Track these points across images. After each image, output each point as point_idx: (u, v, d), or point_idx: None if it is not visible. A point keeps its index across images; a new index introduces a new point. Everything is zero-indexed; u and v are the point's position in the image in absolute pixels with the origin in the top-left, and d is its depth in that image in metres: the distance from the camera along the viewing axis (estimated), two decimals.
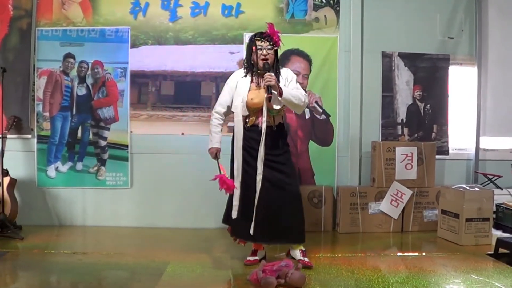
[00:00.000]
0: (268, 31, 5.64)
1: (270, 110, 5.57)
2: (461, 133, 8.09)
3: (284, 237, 5.74)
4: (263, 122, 5.54)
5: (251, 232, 5.61)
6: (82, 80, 7.59)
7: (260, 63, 5.58)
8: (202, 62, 7.65)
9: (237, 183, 5.66)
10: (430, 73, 7.99)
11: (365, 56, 7.86)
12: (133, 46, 7.60)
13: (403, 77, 7.94)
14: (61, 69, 7.56)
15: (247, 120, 5.68)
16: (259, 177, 5.55)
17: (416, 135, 7.98)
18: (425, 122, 8.01)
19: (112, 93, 7.60)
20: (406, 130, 7.98)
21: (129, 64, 7.59)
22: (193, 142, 7.62)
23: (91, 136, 7.63)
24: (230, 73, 7.27)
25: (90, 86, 7.60)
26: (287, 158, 5.80)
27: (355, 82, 7.79)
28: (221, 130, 5.89)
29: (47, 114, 7.57)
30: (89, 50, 7.59)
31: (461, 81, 8.06)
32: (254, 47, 5.62)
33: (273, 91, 5.36)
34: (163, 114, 7.67)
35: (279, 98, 5.43)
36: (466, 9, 8.00)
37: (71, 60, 7.57)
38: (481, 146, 8.04)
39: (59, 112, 7.58)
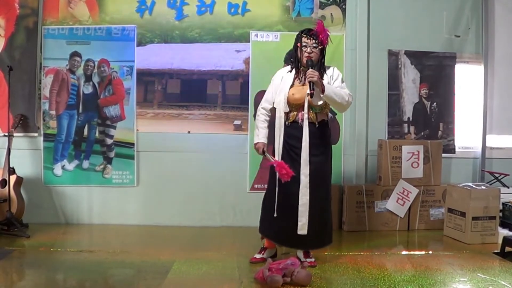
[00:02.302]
0: (316, 28, 5.62)
1: (312, 106, 5.57)
2: (467, 131, 8.08)
3: (306, 244, 5.73)
4: (304, 119, 5.53)
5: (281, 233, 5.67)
6: (88, 78, 7.60)
7: (304, 59, 5.59)
8: (208, 60, 7.65)
9: (277, 183, 5.62)
10: (436, 71, 7.98)
11: (371, 54, 7.85)
12: (139, 44, 7.61)
13: (410, 75, 7.93)
14: (68, 67, 7.58)
15: (288, 116, 5.65)
16: (303, 178, 5.52)
17: (422, 133, 7.97)
18: (432, 120, 8.00)
19: (118, 91, 7.61)
20: (412, 128, 7.97)
21: (136, 63, 7.60)
22: (199, 140, 7.64)
23: (97, 134, 7.64)
24: (236, 71, 7.39)
25: (97, 85, 7.61)
26: (324, 161, 5.74)
27: (361, 80, 7.79)
28: (267, 126, 5.81)
29: (53, 112, 7.58)
30: (96, 48, 7.60)
31: (468, 79, 8.04)
32: (299, 44, 5.63)
33: (315, 87, 5.37)
34: (169, 112, 7.68)
35: (321, 95, 5.41)
36: (473, 7, 7.99)
37: (78, 58, 7.58)
38: (488, 144, 8.03)
39: (65, 111, 7.59)
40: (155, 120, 7.66)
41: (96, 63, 7.59)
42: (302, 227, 5.50)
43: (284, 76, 5.76)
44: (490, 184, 7.58)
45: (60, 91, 7.58)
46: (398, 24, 7.88)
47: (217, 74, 7.66)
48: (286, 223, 5.58)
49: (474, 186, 6.89)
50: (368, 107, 7.84)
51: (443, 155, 7.72)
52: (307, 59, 5.54)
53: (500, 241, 6.40)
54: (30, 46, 7.57)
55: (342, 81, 5.75)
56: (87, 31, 7.58)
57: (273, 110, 5.81)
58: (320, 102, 5.53)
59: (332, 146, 7.36)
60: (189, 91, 7.67)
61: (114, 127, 7.63)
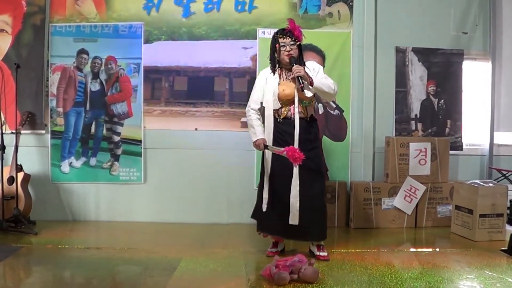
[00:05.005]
0: (289, 27, 5.77)
1: (302, 100, 5.68)
2: (475, 129, 8.06)
3: (304, 235, 5.81)
4: (295, 113, 5.62)
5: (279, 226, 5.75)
6: (95, 75, 7.61)
7: (285, 58, 5.70)
8: (215, 58, 7.66)
9: (266, 177, 5.77)
10: (444, 68, 7.96)
11: (379, 51, 7.84)
12: (146, 41, 7.62)
13: (417, 72, 7.91)
14: (75, 64, 7.59)
15: (279, 113, 5.76)
16: (294, 170, 5.55)
17: (429, 130, 7.96)
18: (439, 117, 7.98)
19: (125, 88, 7.62)
20: (419, 126, 7.95)
21: (143, 60, 7.61)
22: (207, 137, 7.66)
23: (104, 131, 7.65)
24: (243, 68, 7.38)
25: (104, 82, 7.62)
26: (316, 154, 5.87)
27: (369, 77, 7.78)
28: (261, 124, 5.88)
29: (60, 109, 7.60)
30: (103, 45, 7.61)
31: (475, 76, 8.02)
32: (277, 45, 5.75)
33: (303, 81, 5.48)
34: (176, 109, 7.68)
35: (310, 87, 5.55)
36: (480, 4, 7.96)
37: (85, 55, 7.59)
38: (495, 141, 8.00)
39: (72, 108, 7.61)
40: (162, 117, 7.67)
41: (103, 61, 7.61)
42: (293, 218, 5.59)
43: (268, 77, 5.86)
44: (498, 181, 7.56)
45: (67, 88, 7.59)
46: (405, 21, 7.87)
47: (224, 71, 7.67)
48: (281, 216, 5.68)
49: (481, 183, 6.87)
50: (376, 104, 7.83)
51: (451, 152, 7.71)
52: (289, 57, 5.67)
53: (507, 238, 6.37)
54: (37, 43, 7.58)
55: (324, 72, 5.90)
56: (94, 28, 7.59)
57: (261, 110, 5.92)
58: (309, 95, 5.66)
59: (340, 143, 7.43)
60: (196, 88, 7.68)
61: (122, 124, 7.64)
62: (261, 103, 5.86)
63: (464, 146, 8.05)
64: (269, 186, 5.76)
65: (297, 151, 5.36)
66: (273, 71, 5.83)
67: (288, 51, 5.68)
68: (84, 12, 7.60)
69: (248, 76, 7.64)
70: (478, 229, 6.66)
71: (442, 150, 7.56)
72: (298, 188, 5.56)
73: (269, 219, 5.79)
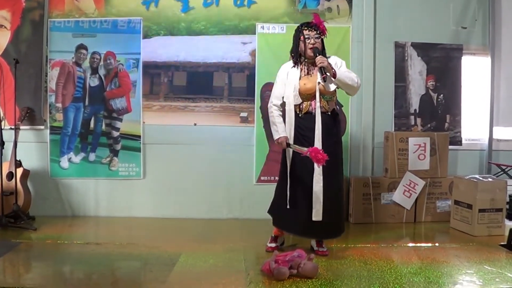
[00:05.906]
0: (314, 21, 5.79)
1: (323, 95, 5.66)
2: (474, 123, 8.05)
3: (326, 233, 5.84)
4: (316, 108, 5.61)
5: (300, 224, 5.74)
6: (94, 71, 7.60)
7: (309, 51, 5.68)
8: (214, 53, 7.65)
9: (288, 173, 5.75)
10: (443, 63, 7.96)
11: (378, 46, 7.83)
12: (145, 37, 7.60)
13: (416, 67, 7.91)
14: (74, 60, 7.58)
15: (300, 107, 5.72)
16: (316, 166, 5.54)
17: (429, 125, 7.95)
18: (438, 112, 7.98)
19: (124, 84, 7.61)
20: (419, 121, 7.95)
21: (142, 55, 7.60)
22: (206, 132, 7.65)
23: (103, 127, 7.64)
24: (242, 64, 7.39)
25: (103, 77, 7.61)
26: (337, 149, 5.83)
27: (368, 72, 7.76)
28: (283, 121, 5.85)
29: (59, 105, 7.59)
30: (102, 41, 7.59)
31: (474, 71, 8.01)
32: (302, 37, 5.74)
33: (326, 72, 5.48)
34: (175, 104, 7.68)
35: (333, 79, 5.54)
36: None
37: (84, 51, 7.58)
38: (495, 136, 8.00)
39: (71, 103, 7.60)
40: (161, 113, 7.66)
41: (102, 56, 7.59)
42: (317, 214, 5.58)
43: (289, 71, 5.82)
44: (497, 176, 7.57)
45: (66, 83, 7.58)
46: (404, 16, 7.86)
47: (223, 67, 7.66)
48: (301, 213, 5.67)
49: (480, 178, 6.88)
50: (375, 99, 7.82)
51: (450, 147, 7.70)
52: (313, 49, 5.65)
53: (506, 233, 6.37)
54: (36, 39, 7.57)
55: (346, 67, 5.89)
56: (93, 23, 7.58)
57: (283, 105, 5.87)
58: (332, 88, 5.64)
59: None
60: (195, 84, 7.68)
61: (121, 120, 7.64)
62: (284, 98, 5.83)
63: (463, 141, 8.05)
64: (291, 182, 5.74)
65: (321, 151, 5.36)
66: (295, 63, 5.83)
67: (313, 44, 5.66)
68: (83, 7, 7.58)
69: (247, 71, 7.64)
70: (477, 224, 6.67)
71: (442, 145, 7.56)
72: (321, 184, 5.57)
73: (289, 216, 5.78)
